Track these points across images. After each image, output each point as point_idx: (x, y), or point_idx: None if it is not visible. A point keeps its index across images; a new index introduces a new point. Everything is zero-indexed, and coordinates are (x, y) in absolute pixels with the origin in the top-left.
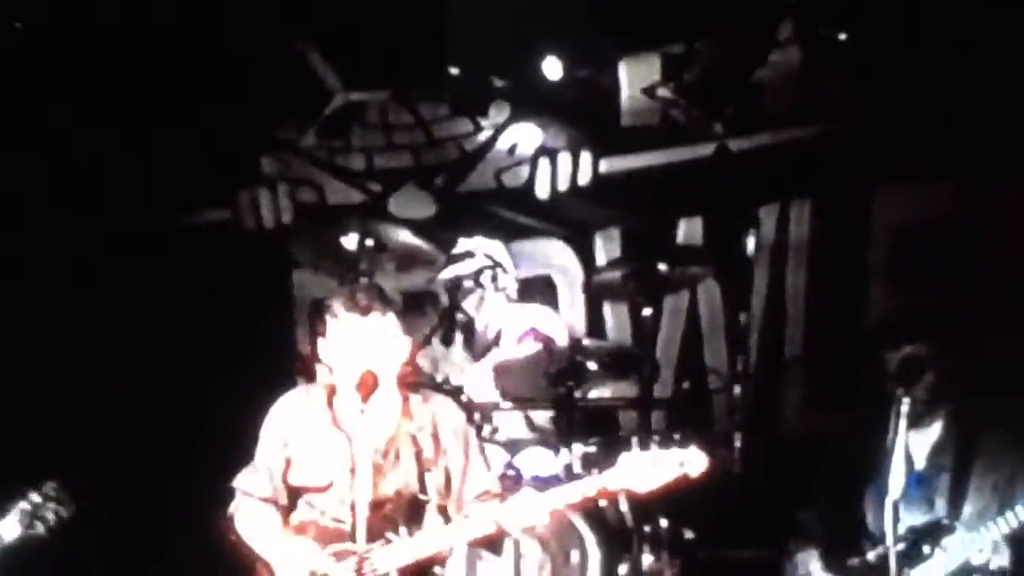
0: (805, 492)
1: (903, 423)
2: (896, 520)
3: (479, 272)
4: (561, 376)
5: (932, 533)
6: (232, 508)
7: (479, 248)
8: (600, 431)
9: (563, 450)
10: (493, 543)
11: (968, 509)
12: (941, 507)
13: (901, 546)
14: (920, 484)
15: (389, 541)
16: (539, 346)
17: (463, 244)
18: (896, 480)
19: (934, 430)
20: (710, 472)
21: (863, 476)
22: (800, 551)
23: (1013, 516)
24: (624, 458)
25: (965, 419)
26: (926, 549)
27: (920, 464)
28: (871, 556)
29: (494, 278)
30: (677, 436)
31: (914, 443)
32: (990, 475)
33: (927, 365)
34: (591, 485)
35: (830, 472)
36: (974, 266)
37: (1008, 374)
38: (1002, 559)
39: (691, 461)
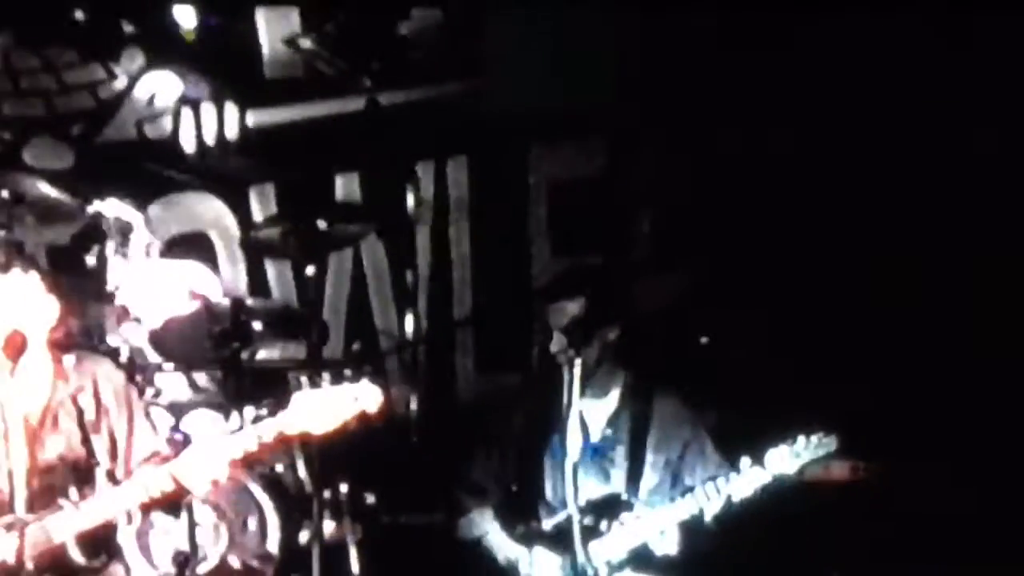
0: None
1: (576, 385)
2: (575, 487)
3: (113, 233)
4: (225, 337)
5: (609, 508)
6: None
7: (106, 211)
8: (270, 393)
9: (233, 413)
10: (171, 504)
11: (644, 485)
12: (619, 481)
13: (580, 518)
14: (595, 455)
15: (60, 508)
16: (195, 304)
17: (91, 208)
18: (573, 444)
19: (609, 400)
20: (386, 409)
21: (538, 439)
22: (474, 510)
23: (698, 498)
24: (297, 398)
25: (639, 390)
26: (603, 524)
27: (595, 435)
28: (548, 525)
29: (126, 240)
30: (349, 372)
31: (589, 412)
32: (663, 450)
33: (594, 327)
34: (268, 430)
35: (505, 432)
36: (630, 225)
37: (676, 343)
38: (669, 546)
39: (366, 395)
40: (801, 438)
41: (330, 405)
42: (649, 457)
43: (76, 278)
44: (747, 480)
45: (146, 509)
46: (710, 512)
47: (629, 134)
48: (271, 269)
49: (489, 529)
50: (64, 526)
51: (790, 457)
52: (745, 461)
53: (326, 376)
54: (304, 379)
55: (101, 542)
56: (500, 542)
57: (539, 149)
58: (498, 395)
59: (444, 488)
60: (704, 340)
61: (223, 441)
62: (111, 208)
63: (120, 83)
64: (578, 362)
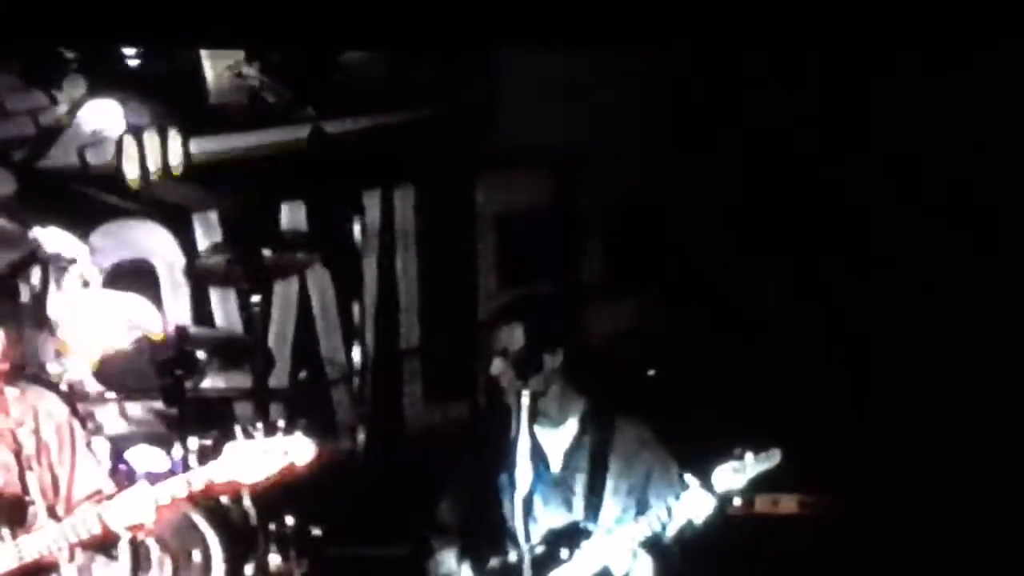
0: (434, 486)
1: (524, 416)
2: (528, 518)
3: (53, 265)
4: (168, 366)
5: (569, 536)
6: None
7: (45, 242)
8: (216, 423)
9: (176, 444)
10: (105, 545)
11: (606, 512)
12: (579, 509)
13: (540, 549)
14: (557, 485)
15: None
16: (135, 335)
17: (30, 238)
18: (524, 475)
19: (567, 429)
20: (320, 461)
21: (494, 471)
22: (440, 549)
23: (651, 520)
24: (229, 448)
25: (598, 417)
26: (563, 553)
27: (555, 465)
28: (512, 557)
29: (66, 270)
30: (282, 424)
31: (548, 442)
32: (625, 477)
33: (534, 352)
34: (197, 478)
35: (463, 467)
36: (579, 254)
37: (634, 367)
38: (644, 570)
39: (296, 449)
40: (747, 454)
41: (260, 458)
42: (611, 484)
43: (14, 305)
44: (697, 499)
45: (82, 548)
46: (666, 534)
47: (577, 164)
48: (215, 298)
49: (454, 569)
50: None
51: (735, 473)
52: (692, 480)
53: (259, 427)
54: (239, 429)
55: None
56: None
57: (486, 179)
58: (449, 427)
59: (395, 520)
60: (651, 372)
61: (154, 488)
62: (52, 239)
63: (62, 109)
64: (525, 391)
